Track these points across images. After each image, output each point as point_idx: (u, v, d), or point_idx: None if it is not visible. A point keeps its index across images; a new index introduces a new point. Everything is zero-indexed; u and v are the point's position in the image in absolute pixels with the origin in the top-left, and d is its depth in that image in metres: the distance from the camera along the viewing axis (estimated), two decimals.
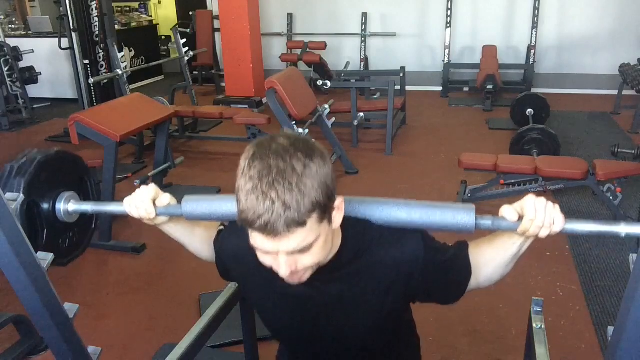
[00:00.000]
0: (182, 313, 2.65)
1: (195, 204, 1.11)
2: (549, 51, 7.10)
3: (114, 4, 7.46)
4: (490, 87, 6.31)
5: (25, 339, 2.23)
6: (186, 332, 1.39)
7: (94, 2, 5.54)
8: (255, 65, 6.77)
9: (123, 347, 2.43)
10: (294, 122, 4.26)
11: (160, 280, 2.98)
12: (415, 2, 7.41)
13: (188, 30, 7.78)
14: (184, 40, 6.01)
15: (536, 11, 6.82)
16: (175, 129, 5.30)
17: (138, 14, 9.69)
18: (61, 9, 5.59)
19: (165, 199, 1.13)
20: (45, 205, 1.24)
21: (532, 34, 6.89)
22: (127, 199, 1.13)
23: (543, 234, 0.96)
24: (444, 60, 7.20)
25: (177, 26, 7.61)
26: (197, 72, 8.02)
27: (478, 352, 2.32)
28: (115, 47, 5.12)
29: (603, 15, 6.81)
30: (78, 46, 5.65)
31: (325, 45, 7.02)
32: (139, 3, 9.94)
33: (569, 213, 3.55)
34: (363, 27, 7.56)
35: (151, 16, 9.94)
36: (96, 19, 5.60)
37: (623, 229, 0.95)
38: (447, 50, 7.16)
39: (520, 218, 0.96)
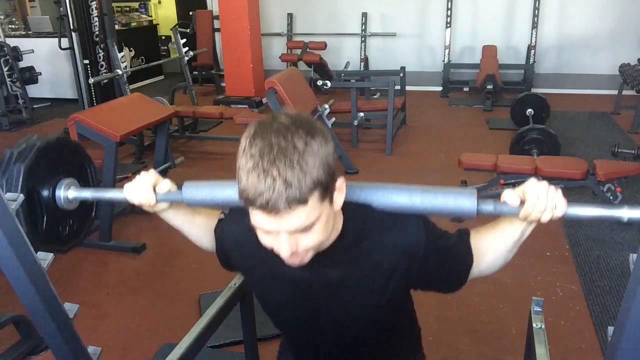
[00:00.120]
0: (182, 313, 2.65)
1: (195, 190, 1.10)
2: (549, 51, 7.10)
3: (114, 4, 7.46)
4: (490, 87, 6.31)
5: (25, 339, 2.23)
6: (186, 332, 1.38)
7: (94, 2, 5.55)
8: (255, 65, 6.77)
9: (123, 347, 2.43)
10: None
11: (160, 280, 2.98)
12: (415, 2, 7.41)
13: (188, 30, 7.79)
14: (184, 40, 6.01)
15: (536, 11, 6.82)
16: (175, 129, 5.30)
17: (138, 14, 9.69)
18: (61, 9, 5.59)
19: (166, 185, 1.12)
20: (45, 192, 1.22)
21: (532, 34, 6.89)
22: (127, 185, 1.13)
23: (545, 218, 0.95)
24: (444, 60, 7.20)
25: (177, 26, 7.62)
26: (197, 72, 8.02)
27: (478, 352, 2.32)
28: (115, 47, 5.13)
29: (603, 15, 6.81)
30: (78, 46, 5.65)
31: (325, 45, 7.02)
32: (139, 3, 9.94)
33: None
34: (363, 27, 7.56)
35: (151, 16, 9.94)
36: (96, 19, 5.61)
37: (626, 213, 0.94)
38: (447, 50, 7.16)
39: (522, 202, 0.96)
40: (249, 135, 0.85)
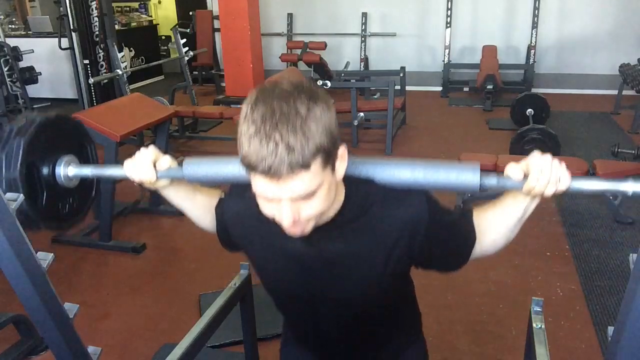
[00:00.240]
0: (182, 313, 2.65)
1: (196, 166, 1.10)
2: (549, 51, 7.10)
3: (114, 4, 7.47)
4: (490, 87, 6.31)
5: (25, 339, 2.23)
6: (186, 332, 1.39)
7: (94, 2, 5.55)
8: (255, 65, 6.77)
9: (123, 347, 2.43)
10: None
11: (160, 280, 2.98)
12: (415, 2, 7.42)
13: (188, 30, 7.79)
14: (184, 40, 6.01)
15: (536, 11, 6.83)
16: (175, 129, 5.30)
17: (138, 14, 9.69)
18: (61, 9, 5.60)
19: (166, 161, 1.11)
20: (45, 168, 1.21)
21: (532, 34, 6.89)
22: (127, 161, 1.11)
23: (549, 191, 0.93)
24: (444, 60, 7.20)
25: (177, 26, 7.62)
26: (197, 72, 8.02)
27: (478, 352, 2.32)
28: (115, 47, 5.13)
29: (603, 15, 6.82)
30: (78, 46, 5.66)
31: (325, 45, 7.01)
32: (139, 3, 9.94)
33: (569, 213, 3.56)
34: (363, 27, 7.57)
35: (151, 16, 9.94)
36: (96, 19, 5.61)
37: (630, 186, 0.93)
38: (447, 50, 7.16)
39: (526, 176, 0.94)
40: (251, 101, 0.84)
